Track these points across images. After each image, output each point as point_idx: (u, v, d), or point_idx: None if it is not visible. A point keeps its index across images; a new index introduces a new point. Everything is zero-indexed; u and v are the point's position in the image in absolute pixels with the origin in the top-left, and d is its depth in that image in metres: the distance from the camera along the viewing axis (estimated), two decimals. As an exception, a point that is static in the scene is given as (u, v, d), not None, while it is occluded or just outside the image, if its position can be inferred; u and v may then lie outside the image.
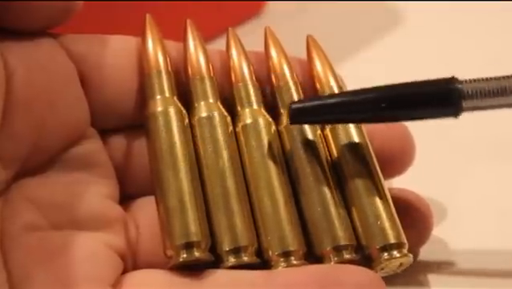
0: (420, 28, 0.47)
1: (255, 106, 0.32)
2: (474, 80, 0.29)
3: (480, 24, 0.46)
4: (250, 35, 0.34)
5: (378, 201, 0.30)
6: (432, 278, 0.32)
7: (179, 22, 0.33)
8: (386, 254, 0.29)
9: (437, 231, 0.33)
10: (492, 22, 0.46)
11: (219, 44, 0.35)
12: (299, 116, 0.30)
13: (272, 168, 0.31)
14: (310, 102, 0.30)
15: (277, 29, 0.34)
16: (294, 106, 0.30)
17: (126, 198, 0.32)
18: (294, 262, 0.29)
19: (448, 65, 0.42)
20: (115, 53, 0.32)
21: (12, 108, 0.28)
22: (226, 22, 0.35)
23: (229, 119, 0.32)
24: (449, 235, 0.33)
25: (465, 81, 0.29)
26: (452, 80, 0.29)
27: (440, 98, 0.29)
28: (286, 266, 0.29)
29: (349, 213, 0.30)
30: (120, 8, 0.41)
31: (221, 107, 0.32)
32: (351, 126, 0.32)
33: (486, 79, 0.29)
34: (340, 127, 0.32)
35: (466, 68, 0.41)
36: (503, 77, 0.29)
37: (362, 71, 0.42)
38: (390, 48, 0.46)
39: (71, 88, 0.30)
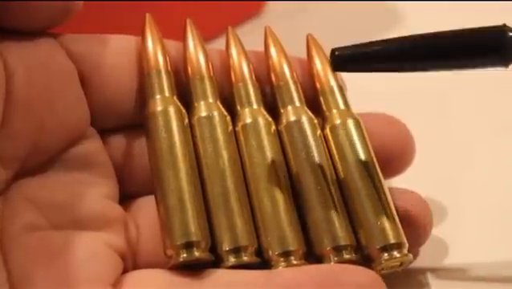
0: (420, 28, 0.47)
1: (255, 105, 0.32)
2: None
3: (480, 24, 0.46)
4: (250, 35, 0.34)
5: (378, 200, 0.30)
6: (432, 278, 0.32)
7: (179, 22, 0.33)
8: (386, 254, 0.29)
9: (437, 231, 0.32)
10: (492, 22, 0.46)
11: (219, 44, 0.35)
12: (342, 63, 0.29)
13: (272, 168, 0.31)
14: (355, 48, 0.29)
15: (277, 29, 0.34)
16: (337, 52, 0.29)
17: (126, 198, 0.32)
18: (294, 261, 0.29)
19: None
20: (115, 53, 0.31)
21: (12, 108, 0.28)
22: (226, 21, 0.35)
23: (228, 118, 0.32)
24: (448, 235, 0.33)
25: None
26: (504, 28, 0.28)
27: (491, 47, 0.28)
28: (286, 266, 0.29)
29: (349, 213, 0.30)
30: (120, 8, 0.41)
31: (220, 106, 0.32)
32: (351, 125, 0.32)
33: None
34: (340, 126, 0.32)
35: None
36: None
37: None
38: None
39: (70, 88, 0.30)
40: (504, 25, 0.29)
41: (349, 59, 0.29)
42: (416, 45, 0.29)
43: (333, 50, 0.29)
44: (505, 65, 0.28)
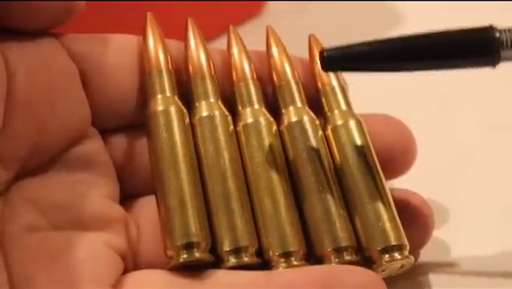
0: (420, 28, 0.47)
1: (256, 105, 0.32)
2: None
3: (480, 24, 0.46)
4: (250, 35, 0.34)
5: (379, 202, 0.30)
6: (433, 279, 0.32)
7: (179, 22, 0.33)
8: (387, 255, 0.29)
9: (438, 232, 0.32)
10: (492, 22, 0.46)
11: (219, 44, 0.35)
12: (331, 62, 0.29)
13: (273, 168, 0.30)
14: (343, 49, 0.29)
15: (277, 28, 0.34)
16: (326, 52, 0.29)
17: (127, 198, 0.32)
18: (295, 262, 0.29)
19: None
20: (116, 52, 0.31)
21: (13, 109, 0.28)
22: (226, 21, 0.35)
23: (230, 118, 0.32)
24: (450, 236, 0.33)
25: (504, 30, 0.29)
26: (490, 29, 0.29)
27: (477, 47, 0.29)
28: (287, 267, 0.29)
29: (350, 214, 0.30)
30: (121, 7, 0.40)
31: (222, 106, 0.32)
32: (353, 126, 0.32)
33: None
34: (342, 127, 0.32)
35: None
36: None
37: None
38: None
39: (72, 88, 0.30)
40: (490, 25, 0.29)
41: (338, 60, 0.29)
42: (403, 45, 0.29)
43: (322, 51, 0.29)
44: (493, 65, 0.29)
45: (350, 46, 0.30)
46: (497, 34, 0.29)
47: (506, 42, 0.29)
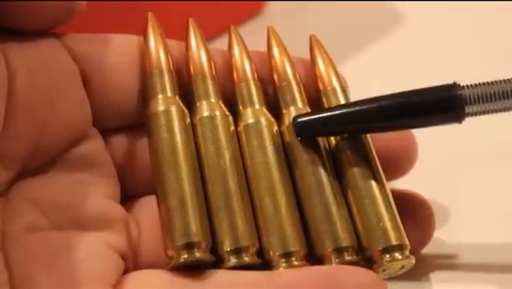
0: (420, 28, 0.47)
1: (257, 106, 0.32)
2: (476, 85, 0.30)
3: (480, 24, 0.46)
4: (250, 35, 0.34)
5: (380, 202, 0.30)
6: (433, 279, 0.32)
7: (178, 22, 0.33)
8: (388, 255, 0.29)
9: (439, 232, 0.32)
10: (492, 22, 0.46)
11: (219, 44, 0.35)
12: (305, 130, 0.31)
13: (274, 169, 0.30)
14: (314, 115, 0.31)
15: (277, 29, 0.34)
16: (299, 120, 0.31)
17: (127, 198, 0.32)
18: (295, 262, 0.29)
19: (448, 65, 0.43)
20: (117, 52, 0.31)
21: (14, 109, 0.28)
22: (226, 21, 0.35)
23: (230, 118, 0.32)
24: (451, 237, 0.33)
25: (467, 86, 0.30)
26: (453, 86, 0.30)
27: (443, 105, 0.30)
28: (287, 267, 0.29)
29: (351, 215, 0.30)
30: (122, 7, 0.40)
31: (222, 106, 0.32)
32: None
33: (488, 84, 0.30)
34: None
35: (466, 68, 0.41)
36: (504, 80, 0.29)
37: (362, 71, 0.42)
38: (390, 48, 0.46)
39: (73, 88, 0.30)
40: (454, 83, 0.30)
41: (311, 126, 0.31)
42: (371, 108, 0.30)
43: (294, 118, 0.31)
44: (458, 121, 0.30)
45: (320, 111, 0.31)
46: (461, 91, 0.29)
47: (470, 97, 0.29)
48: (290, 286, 0.28)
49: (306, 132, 0.31)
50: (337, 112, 0.30)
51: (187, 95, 0.32)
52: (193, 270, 0.29)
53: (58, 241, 0.28)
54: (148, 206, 0.31)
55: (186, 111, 0.31)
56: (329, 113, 0.31)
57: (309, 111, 0.32)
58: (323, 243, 0.30)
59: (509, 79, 0.29)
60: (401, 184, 0.33)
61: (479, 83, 0.30)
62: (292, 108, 0.32)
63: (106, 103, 0.31)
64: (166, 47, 0.32)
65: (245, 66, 0.33)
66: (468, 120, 0.28)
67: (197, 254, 0.29)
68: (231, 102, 0.32)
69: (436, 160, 0.37)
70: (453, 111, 0.30)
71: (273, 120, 0.32)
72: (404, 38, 0.46)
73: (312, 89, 0.33)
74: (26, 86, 0.28)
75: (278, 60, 0.33)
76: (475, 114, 0.30)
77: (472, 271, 0.32)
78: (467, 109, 0.29)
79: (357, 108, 0.30)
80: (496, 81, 0.29)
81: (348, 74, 0.34)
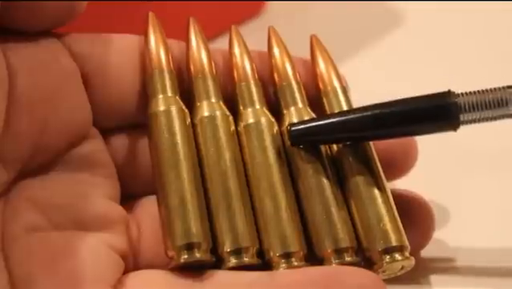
0: (420, 28, 0.47)
1: (258, 106, 0.32)
2: (470, 93, 0.30)
3: (480, 24, 0.46)
4: (250, 35, 0.34)
5: (380, 203, 0.30)
6: (433, 280, 0.32)
7: (181, 21, 0.33)
8: (388, 256, 0.29)
9: (439, 233, 0.32)
10: (492, 22, 0.46)
11: (219, 44, 0.35)
12: (299, 137, 0.31)
13: (274, 169, 0.30)
14: (309, 123, 0.31)
15: (277, 29, 0.34)
16: (293, 128, 0.31)
17: (128, 198, 0.32)
18: (295, 263, 0.29)
19: (448, 65, 0.43)
20: (117, 52, 0.31)
21: (14, 109, 0.28)
22: (226, 21, 0.35)
23: (231, 118, 0.32)
24: (450, 237, 0.33)
25: (462, 94, 0.30)
26: (448, 94, 0.30)
27: (437, 113, 0.30)
28: (287, 268, 0.29)
29: (351, 215, 0.30)
30: (123, 7, 0.40)
31: (223, 106, 0.32)
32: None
33: (483, 92, 0.30)
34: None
35: (466, 68, 0.41)
36: (499, 88, 0.30)
37: (362, 71, 0.42)
38: (390, 48, 0.46)
39: (73, 88, 0.30)
40: (449, 90, 0.30)
41: (305, 134, 0.31)
42: (366, 117, 0.30)
43: (289, 126, 0.31)
44: (453, 129, 0.30)
45: (314, 120, 0.31)
46: (455, 99, 0.30)
47: (465, 105, 0.30)
48: (290, 286, 0.28)
49: (301, 140, 0.31)
50: (331, 121, 0.31)
51: (187, 94, 0.32)
52: (193, 270, 0.29)
53: (59, 241, 0.28)
54: (148, 206, 0.31)
55: (186, 111, 0.31)
56: (323, 121, 0.31)
57: (306, 116, 0.32)
58: (322, 244, 0.30)
59: (503, 87, 0.30)
60: (401, 184, 0.33)
61: (474, 91, 0.30)
62: (292, 108, 0.32)
63: (106, 103, 0.31)
64: (166, 47, 0.32)
65: (245, 66, 0.33)
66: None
67: (198, 255, 0.29)
68: (231, 102, 0.32)
69: (437, 161, 0.37)
70: (448, 119, 0.30)
71: (273, 120, 0.32)
72: (404, 38, 0.46)
73: (313, 89, 0.33)
74: (27, 86, 0.29)
75: (278, 60, 0.33)
76: (470, 122, 0.30)
77: (471, 272, 0.32)
78: (462, 117, 0.30)
79: (352, 117, 0.30)
80: (491, 89, 0.30)
81: (348, 74, 0.34)
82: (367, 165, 0.31)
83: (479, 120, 0.30)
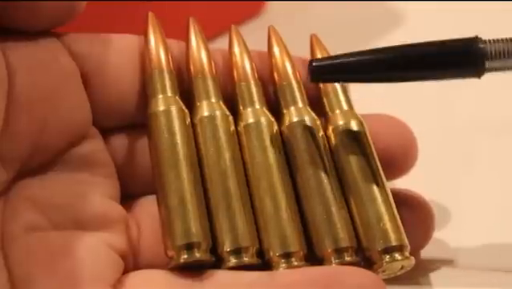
0: (420, 28, 0.47)
1: (257, 105, 0.32)
2: (497, 40, 0.29)
3: (480, 24, 0.46)
4: (250, 35, 0.34)
5: (380, 202, 0.30)
6: (433, 280, 0.32)
7: (181, 21, 0.33)
8: (387, 256, 0.29)
9: (439, 232, 0.32)
10: (492, 23, 0.46)
11: (219, 44, 0.35)
12: (320, 74, 0.30)
13: (274, 169, 0.30)
14: (332, 60, 0.30)
15: (277, 28, 0.34)
16: (315, 63, 0.30)
17: (127, 198, 0.32)
18: (295, 263, 0.29)
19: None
20: (117, 52, 0.31)
21: (14, 108, 0.28)
22: (226, 21, 0.35)
23: (231, 118, 0.32)
24: (450, 237, 0.33)
25: (489, 41, 0.29)
26: (475, 40, 0.29)
27: (462, 58, 0.29)
28: (287, 268, 0.29)
29: (351, 215, 0.30)
30: (122, 7, 0.40)
31: (223, 106, 0.32)
32: (354, 127, 0.32)
33: (510, 40, 0.29)
34: (343, 127, 0.32)
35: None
36: None
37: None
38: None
39: (73, 88, 0.30)
40: (476, 36, 0.29)
41: (326, 70, 0.30)
42: (390, 56, 0.30)
43: (311, 62, 0.30)
44: (478, 76, 0.29)
45: (337, 57, 0.30)
46: (482, 45, 0.29)
47: (491, 52, 0.29)
48: (290, 286, 0.28)
49: (322, 77, 0.30)
50: (357, 59, 0.30)
51: (187, 94, 0.32)
52: (193, 270, 0.29)
53: (58, 241, 0.28)
54: (148, 206, 0.31)
55: (186, 111, 0.31)
56: (347, 59, 0.30)
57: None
58: (322, 243, 0.30)
59: None
60: (401, 184, 0.33)
61: (501, 39, 0.29)
62: (293, 108, 0.32)
63: (106, 102, 0.31)
64: (166, 47, 0.32)
65: (245, 65, 0.33)
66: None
67: (197, 255, 0.28)
68: (231, 102, 0.32)
69: (437, 160, 0.37)
70: (473, 64, 0.29)
71: (273, 119, 0.32)
72: (404, 38, 0.46)
73: (313, 88, 0.33)
74: (26, 86, 0.28)
75: (278, 60, 0.33)
76: (495, 70, 0.29)
77: (471, 272, 0.32)
78: (487, 64, 0.29)
79: (376, 56, 0.30)
80: None
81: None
82: (367, 165, 0.31)
83: (504, 69, 0.29)
